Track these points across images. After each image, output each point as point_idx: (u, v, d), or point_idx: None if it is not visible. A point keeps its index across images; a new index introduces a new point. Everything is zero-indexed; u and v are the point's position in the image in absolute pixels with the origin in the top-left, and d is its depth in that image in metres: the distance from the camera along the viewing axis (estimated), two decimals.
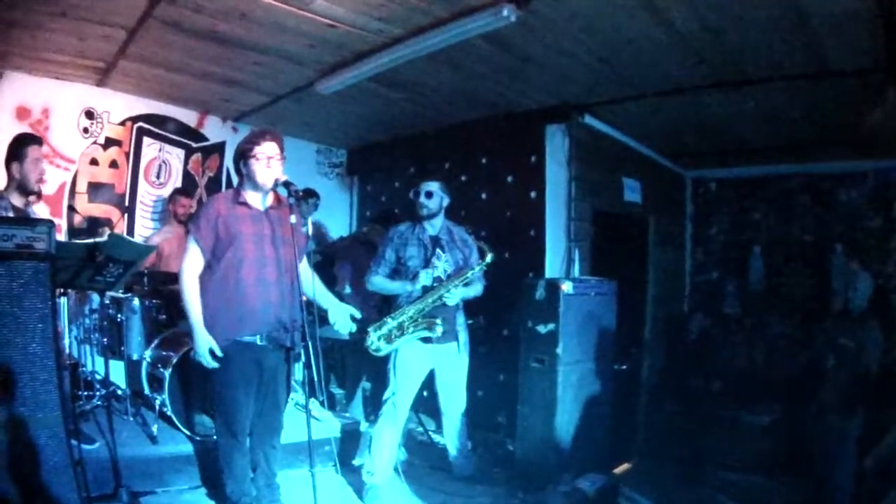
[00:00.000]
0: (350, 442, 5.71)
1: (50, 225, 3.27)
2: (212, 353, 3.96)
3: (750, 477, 5.51)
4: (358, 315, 4.40)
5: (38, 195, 4.62)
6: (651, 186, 7.95)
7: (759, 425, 6.25)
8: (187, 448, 4.95)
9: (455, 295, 4.91)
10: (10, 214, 4.27)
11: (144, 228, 7.19)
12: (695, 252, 9.10)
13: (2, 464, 2.82)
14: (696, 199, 9.19)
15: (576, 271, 6.33)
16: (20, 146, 4.43)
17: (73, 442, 3.42)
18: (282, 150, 4.17)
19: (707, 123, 6.94)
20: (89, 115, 6.65)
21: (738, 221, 8.72)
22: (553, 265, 6.48)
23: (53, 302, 3.28)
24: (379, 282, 5.17)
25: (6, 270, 3.05)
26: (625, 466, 5.59)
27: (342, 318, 4.34)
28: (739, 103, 6.11)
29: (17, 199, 4.39)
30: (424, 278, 4.96)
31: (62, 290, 4.48)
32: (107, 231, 4.95)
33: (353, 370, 6.81)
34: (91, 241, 4.12)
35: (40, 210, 4.59)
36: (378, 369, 5.49)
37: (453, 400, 5.27)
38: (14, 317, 3.05)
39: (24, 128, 6.07)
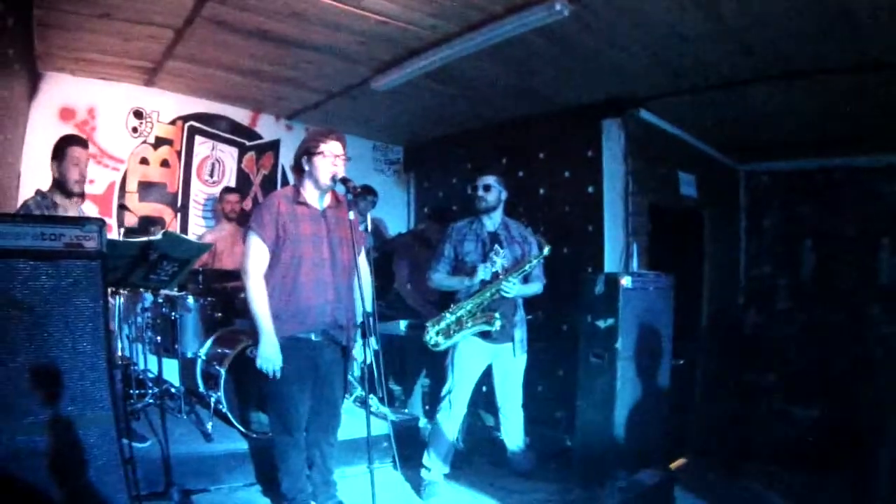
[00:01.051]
0: (408, 438, 5.68)
1: (100, 223, 3.24)
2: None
3: (797, 472, 5.39)
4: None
5: (81, 196, 4.59)
6: (705, 180, 7.84)
7: (808, 419, 6.13)
8: (242, 445, 4.95)
9: (513, 287, 4.84)
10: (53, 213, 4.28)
11: (198, 227, 7.25)
12: (748, 246, 8.96)
13: (45, 464, 2.81)
14: (749, 192, 9.03)
15: (634, 266, 6.22)
16: (61, 145, 4.44)
17: (125, 440, 3.41)
18: (345, 150, 4.16)
19: (757, 117, 6.82)
20: (138, 114, 6.71)
21: (789, 215, 8.58)
22: (611, 260, 6.40)
23: (104, 301, 3.24)
24: (439, 279, 5.14)
25: (54, 269, 3.02)
26: (680, 462, 5.50)
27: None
28: (788, 97, 6.01)
29: (61, 200, 4.39)
30: (483, 272, 4.89)
31: (114, 289, 4.47)
32: (160, 230, 4.96)
33: (412, 367, 6.76)
34: (144, 239, 4.09)
35: (88, 210, 4.59)
36: (437, 366, 5.48)
37: (510, 396, 5.22)
38: (63, 316, 3.02)
39: (68, 128, 6.14)
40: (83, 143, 4.60)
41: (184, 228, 7.08)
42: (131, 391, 5.27)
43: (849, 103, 6.07)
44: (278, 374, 3.95)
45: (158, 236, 4.12)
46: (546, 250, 4.93)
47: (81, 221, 3.26)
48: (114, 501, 2.99)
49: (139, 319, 5.65)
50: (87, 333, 3.10)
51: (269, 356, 3.92)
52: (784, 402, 6.51)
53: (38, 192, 4.38)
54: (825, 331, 7.46)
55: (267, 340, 3.93)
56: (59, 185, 4.39)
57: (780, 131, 7.41)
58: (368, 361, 4.10)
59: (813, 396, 6.42)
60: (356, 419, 5.15)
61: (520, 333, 5.11)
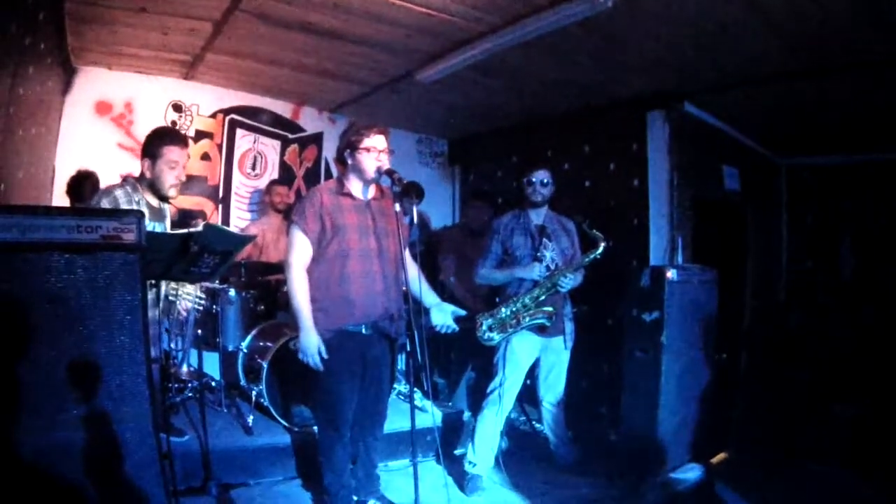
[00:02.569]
0: (452, 432, 5.70)
1: (139, 215, 3.18)
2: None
3: (838, 470, 5.30)
4: (461, 313, 4.30)
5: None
6: (748, 174, 7.77)
7: (849, 417, 6.04)
8: (283, 439, 4.96)
9: (570, 282, 4.87)
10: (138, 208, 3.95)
11: (240, 220, 7.26)
12: (790, 241, 8.86)
13: (80, 460, 2.79)
14: (790, 187, 8.92)
15: (679, 259, 6.15)
16: (156, 141, 4.10)
17: (162, 435, 3.38)
18: (389, 144, 4.13)
19: (799, 111, 6.72)
20: (177, 108, 6.74)
21: (830, 210, 8.51)
22: (657, 253, 6.35)
23: (143, 294, 3.20)
24: (487, 273, 5.15)
25: (91, 262, 2.97)
26: (721, 457, 5.43)
27: (445, 317, 4.26)
28: (831, 90, 5.92)
29: (151, 198, 4.15)
30: (537, 273, 4.92)
31: (154, 282, 4.42)
32: (202, 222, 4.90)
33: (457, 360, 6.74)
34: (185, 231, 4.04)
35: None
36: (482, 359, 5.48)
37: (553, 388, 5.24)
38: (100, 309, 2.97)
39: (105, 123, 6.22)
40: (181, 141, 4.21)
41: (225, 221, 7.10)
42: (170, 384, 5.27)
43: (891, 96, 5.94)
44: (320, 367, 3.91)
45: (199, 228, 4.07)
46: (602, 246, 4.90)
47: (121, 213, 3.23)
48: (150, 496, 2.95)
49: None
50: (125, 327, 3.05)
51: (310, 349, 3.89)
52: (823, 400, 6.40)
53: (128, 181, 4.14)
54: (866, 327, 7.34)
55: (307, 333, 3.91)
56: (150, 185, 4.10)
57: (823, 126, 7.31)
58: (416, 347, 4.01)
59: (852, 394, 6.31)
60: (400, 412, 5.13)
61: (569, 326, 5.15)
